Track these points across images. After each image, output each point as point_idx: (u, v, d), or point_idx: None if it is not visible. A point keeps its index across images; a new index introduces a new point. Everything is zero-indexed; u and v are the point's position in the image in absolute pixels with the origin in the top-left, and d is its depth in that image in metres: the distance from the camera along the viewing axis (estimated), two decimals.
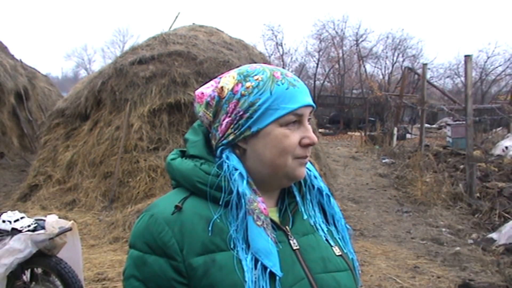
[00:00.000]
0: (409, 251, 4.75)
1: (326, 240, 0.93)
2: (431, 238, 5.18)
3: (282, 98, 0.86)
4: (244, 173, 0.88)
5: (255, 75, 0.88)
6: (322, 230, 0.94)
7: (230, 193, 0.86)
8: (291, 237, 0.89)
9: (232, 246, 0.83)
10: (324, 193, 0.98)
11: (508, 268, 4.13)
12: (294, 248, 0.88)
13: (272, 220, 0.88)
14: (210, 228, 0.84)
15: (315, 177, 0.99)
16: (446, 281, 3.91)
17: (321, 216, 0.97)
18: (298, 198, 0.95)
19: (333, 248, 0.93)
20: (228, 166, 0.88)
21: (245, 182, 0.86)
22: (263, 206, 0.86)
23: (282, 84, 0.87)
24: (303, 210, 0.94)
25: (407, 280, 3.93)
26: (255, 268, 0.81)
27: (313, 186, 0.98)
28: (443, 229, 5.54)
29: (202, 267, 0.81)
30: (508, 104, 14.82)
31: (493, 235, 5.04)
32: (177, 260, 0.82)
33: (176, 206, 0.86)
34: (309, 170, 0.98)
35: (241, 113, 0.87)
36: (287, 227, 0.90)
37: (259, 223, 0.84)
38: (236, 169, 0.87)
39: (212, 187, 0.87)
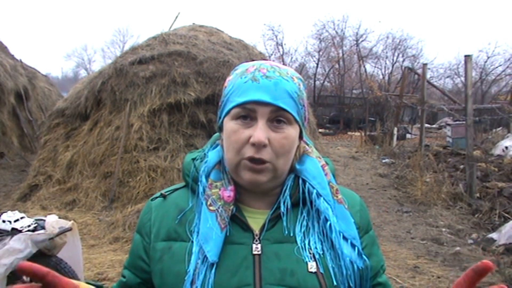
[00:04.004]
0: (409, 251, 4.75)
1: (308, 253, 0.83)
2: (431, 238, 5.17)
3: (237, 91, 0.82)
4: (212, 162, 0.89)
5: (237, 69, 0.88)
6: (302, 242, 0.83)
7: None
8: (256, 241, 0.83)
9: (192, 238, 0.84)
10: (322, 216, 0.85)
11: (508, 268, 4.12)
12: (254, 252, 0.82)
13: (242, 220, 0.85)
14: (178, 217, 0.88)
15: (319, 195, 0.87)
16: (446, 281, 3.91)
17: (316, 233, 0.85)
18: (282, 208, 0.85)
19: (308, 263, 0.82)
20: (204, 155, 0.91)
21: (202, 169, 0.88)
22: (226, 194, 0.85)
23: (245, 77, 0.82)
24: (284, 221, 0.85)
25: (407, 280, 3.93)
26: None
27: (312, 206, 0.87)
28: (443, 229, 5.53)
29: (160, 252, 0.86)
30: (508, 104, 14.81)
31: (493, 235, 5.04)
32: (146, 241, 0.90)
33: (161, 194, 0.93)
34: (312, 187, 0.87)
35: (220, 104, 0.88)
36: (257, 230, 0.85)
37: (212, 208, 0.84)
38: (207, 157, 0.90)
39: (194, 180, 0.90)
